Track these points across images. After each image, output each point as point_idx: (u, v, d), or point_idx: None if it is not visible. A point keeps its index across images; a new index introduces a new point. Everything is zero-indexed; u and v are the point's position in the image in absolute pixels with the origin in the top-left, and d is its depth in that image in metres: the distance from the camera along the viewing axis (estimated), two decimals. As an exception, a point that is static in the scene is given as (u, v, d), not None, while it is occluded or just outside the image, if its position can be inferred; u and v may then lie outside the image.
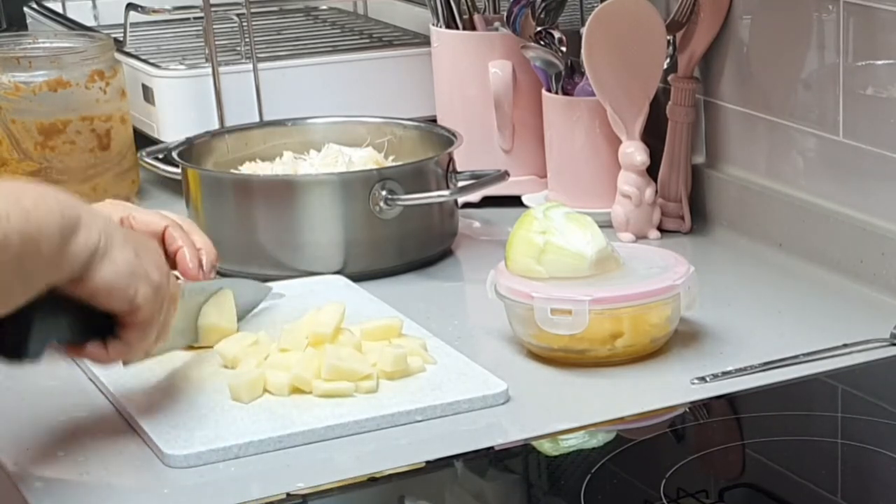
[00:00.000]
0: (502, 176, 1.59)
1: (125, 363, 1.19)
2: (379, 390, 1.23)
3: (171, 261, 1.28)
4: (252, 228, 1.53)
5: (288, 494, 1.09)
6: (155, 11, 1.98)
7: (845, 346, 1.32)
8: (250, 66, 1.86)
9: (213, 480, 1.12)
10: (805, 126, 1.55)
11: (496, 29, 1.79)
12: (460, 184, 1.60)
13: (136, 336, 1.12)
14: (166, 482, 1.12)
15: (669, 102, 1.66)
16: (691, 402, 1.24)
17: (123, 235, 1.10)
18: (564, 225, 1.32)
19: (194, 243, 1.29)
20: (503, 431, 1.19)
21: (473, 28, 1.80)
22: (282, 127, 1.73)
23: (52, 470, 1.14)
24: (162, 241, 1.28)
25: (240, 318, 1.35)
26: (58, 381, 1.30)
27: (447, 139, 1.64)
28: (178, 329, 1.26)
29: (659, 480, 1.10)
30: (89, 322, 1.11)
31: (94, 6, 2.31)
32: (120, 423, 1.22)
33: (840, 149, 1.51)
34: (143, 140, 1.86)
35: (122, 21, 1.97)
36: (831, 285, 1.49)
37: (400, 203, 1.53)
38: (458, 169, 1.62)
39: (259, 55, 1.87)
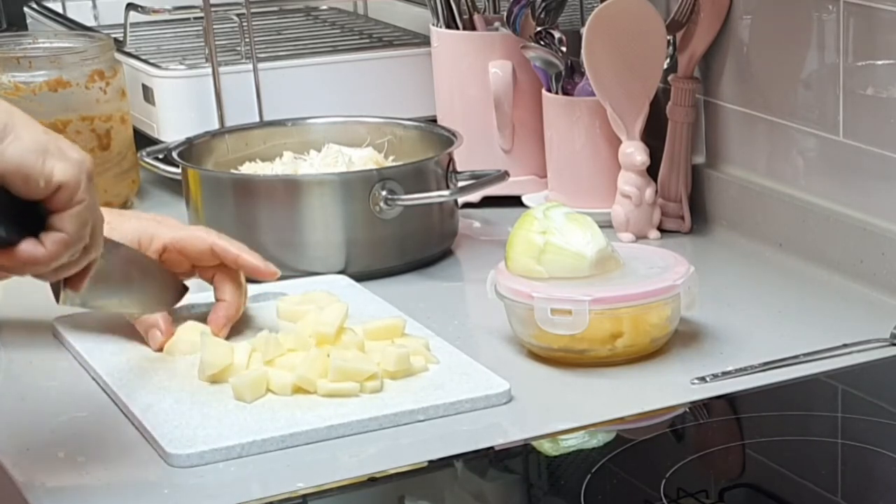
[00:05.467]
0: (502, 176, 1.60)
1: (62, 300, 1.09)
2: (383, 390, 1.23)
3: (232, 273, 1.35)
4: (252, 228, 1.53)
5: (289, 495, 1.09)
6: (155, 11, 1.98)
7: (845, 346, 1.32)
8: (250, 66, 1.85)
9: (214, 480, 1.12)
10: (805, 126, 1.55)
11: (496, 29, 1.79)
12: (460, 184, 1.60)
13: (70, 223, 1.02)
14: (167, 482, 1.12)
15: (669, 102, 1.66)
16: (691, 402, 1.24)
17: (27, 117, 1.03)
18: (564, 225, 1.32)
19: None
20: (503, 431, 1.19)
21: (473, 28, 1.80)
22: (282, 127, 1.73)
23: (52, 470, 1.14)
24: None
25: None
26: (58, 381, 1.30)
27: (447, 139, 1.64)
28: (112, 285, 1.21)
29: (659, 480, 1.10)
30: (19, 221, 1.02)
31: (94, 6, 2.31)
32: (121, 423, 1.22)
33: (840, 149, 1.51)
34: (143, 140, 1.86)
35: (122, 21, 1.97)
36: (831, 285, 1.49)
37: (400, 203, 1.53)
38: (458, 169, 1.62)
39: (259, 55, 1.87)
